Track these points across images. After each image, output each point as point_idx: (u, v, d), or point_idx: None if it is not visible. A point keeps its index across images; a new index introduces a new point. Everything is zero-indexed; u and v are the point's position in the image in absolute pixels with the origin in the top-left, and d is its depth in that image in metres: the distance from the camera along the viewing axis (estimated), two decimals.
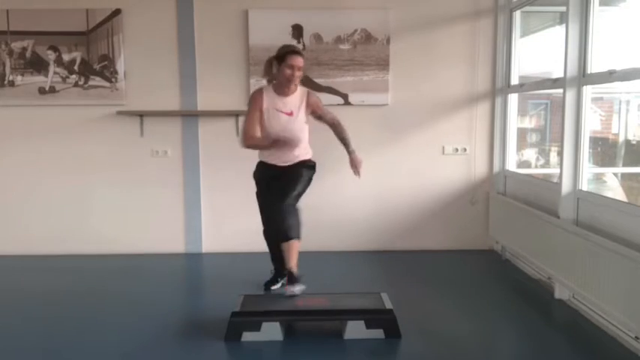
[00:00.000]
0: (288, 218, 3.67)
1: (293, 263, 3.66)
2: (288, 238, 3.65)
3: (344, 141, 3.94)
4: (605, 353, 3.22)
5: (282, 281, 4.09)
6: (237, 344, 3.27)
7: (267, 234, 4.10)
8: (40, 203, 5.24)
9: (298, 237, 3.70)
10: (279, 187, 3.77)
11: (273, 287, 4.14)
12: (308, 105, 3.79)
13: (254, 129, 3.73)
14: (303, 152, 3.84)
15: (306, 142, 3.85)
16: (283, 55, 3.66)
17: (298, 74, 3.67)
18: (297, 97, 3.77)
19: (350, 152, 3.95)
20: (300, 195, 3.80)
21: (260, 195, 3.98)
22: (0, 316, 3.83)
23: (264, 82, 5.07)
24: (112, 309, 3.91)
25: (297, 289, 3.54)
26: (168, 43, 5.11)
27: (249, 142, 3.75)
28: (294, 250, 3.67)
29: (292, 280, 3.60)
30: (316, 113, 3.86)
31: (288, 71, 3.63)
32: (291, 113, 3.74)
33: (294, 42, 5.08)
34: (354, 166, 3.93)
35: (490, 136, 5.25)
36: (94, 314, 3.80)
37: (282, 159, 3.82)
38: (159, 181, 5.24)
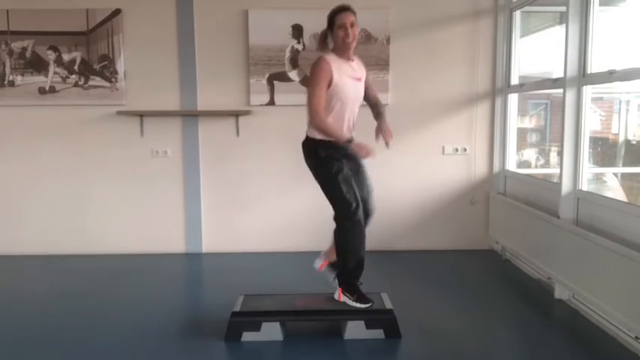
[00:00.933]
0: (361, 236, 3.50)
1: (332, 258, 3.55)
2: (352, 256, 3.51)
3: (380, 115, 3.54)
4: (605, 353, 3.21)
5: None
6: (237, 344, 3.27)
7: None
8: (40, 203, 5.24)
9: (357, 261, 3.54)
10: (357, 168, 3.44)
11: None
12: (367, 72, 3.50)
13: (323, 105, 3.24)
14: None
15: None
16: (332, 17, 3.28)
17: (353, 31, 3.24)
18: (358, 62, 3.43)
19: (383, 124, 3.51)
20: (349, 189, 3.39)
21: (345, 181, 3.34)
22: (0, 317, 3.83)
23: (263, 81, 5.13)
24: (112, 309, 3.91)
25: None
26: (168, 43, 5.11)
27: (322, 123, 3.24)
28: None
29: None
30: (367, 84, 3.50)
31: (341, 32, 3.23)
32: (360, 79, 3.39)
33: (293, 42, 5.10)
34: (387, 136, 3.49)
35: (490, 136, 5.25)
36: (94, 314, 3.80)
37: (350, 131, 3.41)
38: (159, 182, 5.24)
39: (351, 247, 3.42)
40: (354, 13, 3.29)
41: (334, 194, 3.34)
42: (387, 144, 3.49)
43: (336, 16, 3.26)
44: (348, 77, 3.31)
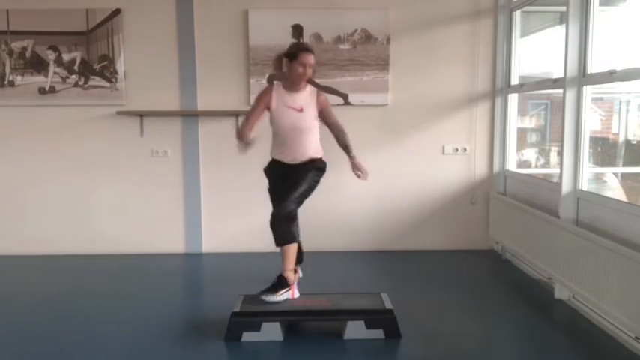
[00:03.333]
0: (285, 222, 3.58)
1: (287, 267, 3.54)
2: (282, 243, 3.57)
3: (346, 148, 3.83)
4: (605, 353, 3.21)
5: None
6: (237, 344, 3.27)
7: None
8: (40, 203, 5.24)
9: (294, 240, 3.58)
10: (285, 187, 3.71)
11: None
12: (317, 102, 3.70)
13: (252, 125, 3.72)
14: (312, 151, 3.75)
15: (315, 140, 3.76)
16: (295, 52, 3.60)
17: (309, 71, 3.63)
18: (306, 94, 3.69)
19: (352, 157, 3.83)
20: (302, 196, 3.69)
21: (270, 192, 3.90)
22: (0, 317, 3.83)
23: (263, 81, 5.13)
24: (111, 309, 3.90)
25: (278, 297, 3.45)
26: (168, 43, 5.11)
27: (242, 130, 3.74)
28: (289, 257, 3.56)
29: (279, 284, 3.50)
30: (323, 113, 3.75)
31: (300, 69, 3.57)
32: (300, 109, 3.68)
33: (293, 42, 5.09)
34: (359, 169, 3.81)
35: (490, 136, 5.25)
36: (94, 314, 3.80)
37: (290, 156, 3.76)
38: (159, 181, 5.24)
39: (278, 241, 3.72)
40: (314, 55, 3.66)
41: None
42: (363, 177, 3.83)
43: (300, 53, 3.59)
44: (286, 106, 3.65)
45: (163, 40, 5.11)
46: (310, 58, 3.60)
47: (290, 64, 3.61)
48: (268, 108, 3.69)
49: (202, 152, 5.23)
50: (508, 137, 5.11)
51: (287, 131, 3.68)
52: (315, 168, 3.74)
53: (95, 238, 5.25)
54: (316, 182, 3.75)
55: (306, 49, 3.64)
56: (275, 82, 3.82)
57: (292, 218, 3.61)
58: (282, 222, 3.55)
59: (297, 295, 3.55)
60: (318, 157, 3.78)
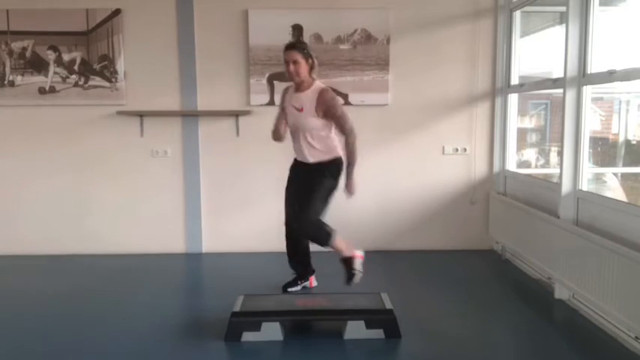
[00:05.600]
0: (313, 229, 3.70)
1: (344, 251, 3.73)
2: (326, 244, 3.70)
3: (348, 159, 3.75)
4: (605, 353, 3.21)
5: (302, 284, 4.12)
6: (237, 344, 3.26)
7: (288, 231, 4.02)
8: (40, 203, 5.24)
9: (331, 234, 3.70)
10: (298, 190, 3.79)
11: (292, 289, 4.09)
12: (319, 103, 3.65)
13: (278, 123, 3.89)
14: (320, 152, 3.75)
15: (324, 142, 3.73)
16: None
17: (294, 68, 3.63)
18: (309, 94, 3.70)
19: (349, 175, 3.77)
20: (322, 203, 3.73)
21: (285, 189, 3.98)
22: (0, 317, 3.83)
23: (263, 81, 5.13)
24: (111, 309, 3.90)
25: (358, 270, 3.71)
26: (168, 43, 5.11)
27: (275, 133, 3.91)
28: (339, 245, 3.71)
29: (347, 263, 3.72)
30: (327, 114, 3.67)
31: (285, 67, 3.67)
32: (301, 109, 3.70)
33: None
34: (349, 191, 3.83)
35: (490, 136, 5.25)
36: (94, 314, 3.80)
37: (300, 156, 3.85)
38: (159, 181, 5.24)
39: None
40: (300, 51, 3.63)
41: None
42: (348, 196, 3.85)
43: (283, 53, 3.66)
44: (290, 106, 3.75)
45: (163, 40, 5.11)
46: (291, 55, 3.62)
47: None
48: (283, 108, 3.84)
49: (202, 152, 5.23)
50: (508, 137, 5.11)
51: (293, 131, 3.82)
52: (329, 172, 3.76)
53: (95, 238, 5.25)
54: (331, 185, 3.75)
55: (286, 47, 3.68)
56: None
57: (313, 223, 3.70)
58: (311, 231, 3.71)
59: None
60: (330, 158, 3.76)
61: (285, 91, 3.89)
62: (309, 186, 3.72)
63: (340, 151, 3.79)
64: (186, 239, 5.30)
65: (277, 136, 3.89)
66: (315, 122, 3.69)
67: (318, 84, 3.75)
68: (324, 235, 3.68)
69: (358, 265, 3.72)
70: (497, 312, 3.88)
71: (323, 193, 3.72)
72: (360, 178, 5.22)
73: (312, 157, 3.77)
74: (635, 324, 3.01)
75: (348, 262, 3.72)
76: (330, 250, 3.72)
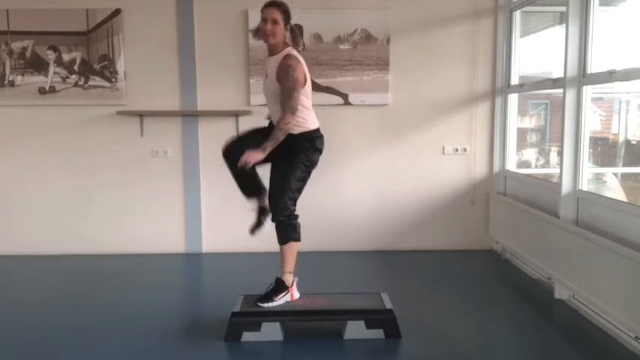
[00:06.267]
0: (284, 222, 3.38)
1: (286, 269, 3.42)
2: (285, 242, 3.42)
3: (272, 133, 3.25)
4: (605, 353, 3.22)
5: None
6: (237, 344, 3.27)
7: (227, 157, 3.48)
8: (39, 203, 5.24)
9: (293, 239, 3.41)
10: (275, 172, 3.38)
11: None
12: (278, 68, 3.22)
13: None
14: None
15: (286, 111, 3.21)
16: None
17: (270, 27, 3.24)
18: (277, 59, 3.28)
19: (261, 146, 3.22)
20: (297, 190, 3.34)
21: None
22: None
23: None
24: (111, 309, 3.90)
25: (277, 301, 3.37)
26: (168, 43, 5.11)
27: None
28: (289, 258, 3.42)
29: (278, 288, 3.40)
30: (279, 80, 3.22)
31: (262, 24, 3.28)
32: (267, 75, 3.35)
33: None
34: (242, 158, 3.20)
35: (490, 136, 5.25)
36: (94, 314, 3.80)
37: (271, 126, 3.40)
38: (159, 181, 5.24)
39: None
40: (281, 11, 3.27)
41: None
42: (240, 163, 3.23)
43: (262, 9, 3.30)
44: (264, 73, 3.41)
45: (163, 40, 5.11)
46: (271, 12, 3.24)
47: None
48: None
49: (202, 152, 5.23)
50: (508, 137, 5.11)
51: (267, 98, 3.43)
52: (299, 146, 3.31)
53: (95, 238, 5.25)
54: (306, 162, 3.33)
55: (266, 4, 3.29)
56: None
57: (288, 217, 3.38)
58: (279, 221, 3.39)
59: (297, 296, 3.48)
60: (300, 131, 3.31)
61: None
62: (282, 164, 3.33)
63: (313, 125, 3.36)
64: (186, 239, 5.30)
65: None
66: (277, 90, 3.27)
67: (289, 50, 3.31)
68: (290, 231, 3.36)
69: (282, 298, 3.39)
70: (498, 312, 3.88)
71: (295, 172, 3.30)
72: (360, 177, 5.27)
73: (274, 120, 3.35)
74: (635, 324, 3.01)
75: (279, 285, 3.41)
76: (278, 252, 3.45)
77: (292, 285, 3.47)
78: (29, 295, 4.23)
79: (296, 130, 3.30)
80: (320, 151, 3.42)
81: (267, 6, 3.29)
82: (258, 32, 3.37)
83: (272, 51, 3.35)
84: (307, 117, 3.35)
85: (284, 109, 3.21)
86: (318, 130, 3.42)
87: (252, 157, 3.19)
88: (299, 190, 3.39)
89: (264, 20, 3.27)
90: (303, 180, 3.38)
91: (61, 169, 5.22)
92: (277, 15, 3.26)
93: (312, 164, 3.40)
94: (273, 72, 3.29)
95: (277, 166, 3.40)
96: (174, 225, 5.29)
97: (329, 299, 3.54)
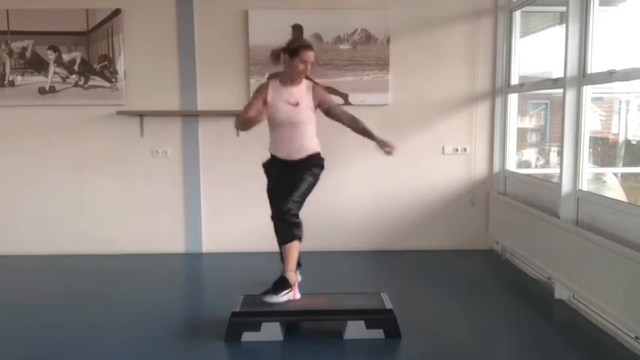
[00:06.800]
0: (286, 221, 3.58)
1: (289, 268, 3.51)
2: (284, 241, 3.57)
3: (364, 132, 3.78)
4: (605, 353, 3.22)
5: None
6: (237, 344, 3.26)
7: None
8: (39, 203, 5.24)
9: (295, 239, 3.56)
10: (285, 186, 3.69)
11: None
12: (314, 97, 3.70)
13: (252, 112, 3.63)
14: (307, 146, 3.72)
15: (311, 134, 3.74)
16: (296, 49, 3.59)
17: (309, 68, 3.64)
18: (302, 88, 3.69)
19: (375, 138, 3.77)
20: (302, 196, 3.67)
21: (268, 190, 3.86)
22: None
23: (263, 81, 5.11)
24: (111, 309, 3.90)
25: (280, 298, 3.41)
26: (168, 43, 5.11)
27: (243, 115, 3.66)
28: (292, 257, 3.55)
29: (281, 285, 3.45)
30: (323, 107, 3.74)
31: (301, 66, 3.58)
32: (296, 104, 3.65)
33: None
34: (386, 145, 3.74)
35: (490, 136, 5.25)
36: (94, 314, 3.80)
37: (285, 152, 3.74)
38: (159, 181, 5.24)
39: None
40: (314, 51, 3.67)
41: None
42: (391, 151, 3.79)
43: (302, 50, 3.58)
44: (283, 102, 3.65)
45: (163, 40, 5.11)
46: (311, 55, 3.59)
47: (290, 59, 3.60)
48: (265, 103, 3.66)
49: (202, 152, 5.23)
50: (508, 137, 5.11)
51: (283, 126, 3.69)
52: (313, 165, 3.72)
53: (95, 238, 5.25)
54: (315, 180, 3.72)
55: (307, 46, 3.62)
56: (271, 78, 3.84)
57: (293, 217, 3.59)
58: (283, 220, 3.57)
59: (298, 296, 3.53)
60: (315, 152, 3.75)
61: (266, 86, 3.73)
62: (295, 181, 3.64)
63: (319, 147, 3.79)
64: (186, 239, 5.30)
65: (249, 124, 3.62)
66: (311, 116, 3.70)
67: (304, 79, 3.75)
68: (289, 230, 3.55)
69: (285, 295, 3.45)
70: (497, 312, 3.88)
71: (307, 188, 3.67)
72: (360, 177, 5.27)
73: (302, 152, 3.71)
74: (635, 324, 3.01)
75: (282, 282, 3.47)
76: (279, 253, 3.63)
77: (295, 284, 3.54)
78: (29, 295, 4.22)
79: (315, 149, 3.76)
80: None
81: (307, 49, 3.60)
82: (298, 70, 3.61)
83: (294, 83, 3.69)
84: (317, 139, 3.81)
85: (352, 115, 3.82)
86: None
87: (392, 145, 3.75)
88: (305, 197, 3.70)
89: (303, 62, 3.58)
90: (311, 189, 3.72)
91: (61, 169, 5.22)
92: (313, 57, 3.65)
93: (315, 184, 3.78)
94: (307, 100, 3.68)
95: (297, 177, 3.68)
96: (174, 225, 5.29)
97: (329, 299, 3.54)
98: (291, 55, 3.59)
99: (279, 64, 3.68)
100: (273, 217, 3.68)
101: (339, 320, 3.38)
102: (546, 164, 6.07)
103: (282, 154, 3.76)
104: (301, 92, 3.68)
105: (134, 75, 5.13)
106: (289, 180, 3.68)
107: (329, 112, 3.77)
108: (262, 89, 3.73)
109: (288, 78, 3.67)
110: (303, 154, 3.72)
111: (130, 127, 5.18)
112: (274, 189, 3.79)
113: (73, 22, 5.07)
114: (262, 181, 5.43)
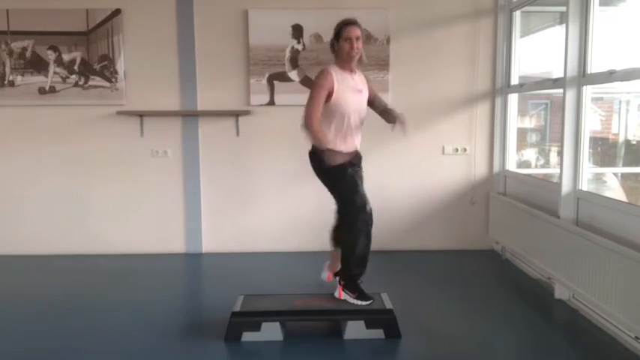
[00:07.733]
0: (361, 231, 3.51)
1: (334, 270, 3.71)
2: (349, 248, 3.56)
3: (387, 109, 3.61)
4: (605, 353, 3.21)
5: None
6: (237, 344, 3.27)
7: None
8: (39, 203, 5.24)
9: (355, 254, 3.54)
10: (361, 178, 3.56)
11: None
12: (370, 88, 3.57)
13: (319, 111, 3.32)
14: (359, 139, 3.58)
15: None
16: (339, 30, 3.38)
17: (357, 45, 3.34)
18: (361, 76, 3.54)
19: (397, 117, 3.51)
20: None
21: (354, 187, 3.49)
22: None
23: (263, 81, 5.13)
24: (112, 309, 3.90)
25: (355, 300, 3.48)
26: (168, 43, 5.11)
27: (312, 124, 3.29)
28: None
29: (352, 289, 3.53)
30: (371, 96, 3.58)
31: (346, 45, 3.33)
32: (361, 91, 3.47)
33: (293, 42, 5.09)
34: (402, 121, 3.48)
35: (490, 136, 5.25)
36: (94, 314, 3.80)
37: (352, 146, 3.50)
38: (159, 181, 5.24)
39: (354, 244, 3.48)
40: (359, 27, 3.40)
41: (343, 195, 3.49)
42: (403, 128, 3.53)
43: (343, 28, 3.37)
44: (350, 90, 3.40)
45: (163, 40, 5.11)
46: (355, 31, 3.34)
47: (338, 44, 3.38)
48: (330, 94, 3.33)
49: (202, 152, 5.23)
50: (508, 137, 5.11)
51: (353, 115, 3.42)
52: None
53: (95, 238, 5.25)
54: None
55: (347, 22, 3.38)
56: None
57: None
58: (369, 222, 3.52)
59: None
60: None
61: (329, 73, 3.35)
62: (361, 176, 3.60)
63: None
64: (186, 239, 5.30)
65: (325, 137, 3.32)
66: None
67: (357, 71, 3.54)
68: (362, 242, 3.48)
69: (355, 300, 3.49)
70: (497, 312, 3.88)
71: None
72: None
73: (359, 145, 3.57)
74: (635, 324, 3.01)
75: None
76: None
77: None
78: (29, 295, 4.23)
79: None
80: None
81: (349, 24, 3.37)
82: (346, 51, 3.36)
83: (351, 67, 3.45)
84: None
85: (387, 105, 3.68)
86: None
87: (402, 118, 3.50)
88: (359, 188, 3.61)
89: (349, 40, 3.33)
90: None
91: (61, 169, 5.21)
92: (359, 32, 3.38)
93: None
94: (366, 88, 3.52)
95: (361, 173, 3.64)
96: (174, 225, 5.29)
97: (329, 299, 3.54)
98: (337, 38, 3.39)
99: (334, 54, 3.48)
100: (360, 216, 3.47)
101: (339, 320, 3.39)
102: (546, 164, 6.07)
103: (351, 147, 3.49)
104: (362, 80, 3.53)
105: (134, 75, 5.13)
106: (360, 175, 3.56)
107: (374, 102, 3.63)
108: (325, 78, 3.34)
109: (345, 64, 3.41)
110: (358, 147, 3.57)
111: (130, 127, 5.18)
112: (360, 186, 3.53)
113: (73, 22, 5.07)
114: (262, 180, 5.44)
